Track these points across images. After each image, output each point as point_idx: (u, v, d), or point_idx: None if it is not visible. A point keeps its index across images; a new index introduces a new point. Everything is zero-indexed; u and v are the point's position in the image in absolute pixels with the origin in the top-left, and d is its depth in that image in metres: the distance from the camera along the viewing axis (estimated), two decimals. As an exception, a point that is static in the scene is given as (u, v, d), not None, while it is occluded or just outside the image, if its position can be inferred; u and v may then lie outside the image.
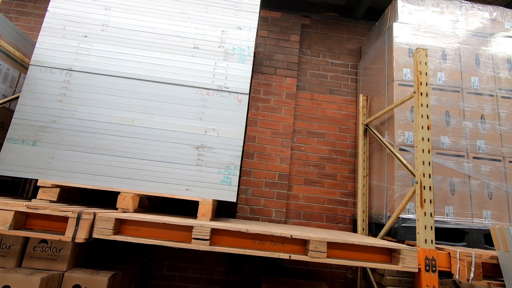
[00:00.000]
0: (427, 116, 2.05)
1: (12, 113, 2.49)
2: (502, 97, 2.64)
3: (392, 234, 2.37)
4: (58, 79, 2.23)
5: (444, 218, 2.35)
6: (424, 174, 1.94)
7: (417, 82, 2.12)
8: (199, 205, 2.06)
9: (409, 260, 1.69)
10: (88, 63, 2.27)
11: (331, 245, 1.71)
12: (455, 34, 2.78)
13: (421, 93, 2.09)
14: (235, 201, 2.14)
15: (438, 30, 2.77)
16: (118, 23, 2.37)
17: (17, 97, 2.37)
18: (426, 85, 2.10)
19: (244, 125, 2.27)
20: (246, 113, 2.29)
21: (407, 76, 2.62)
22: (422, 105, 2.07)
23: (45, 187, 2.04)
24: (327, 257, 1.67)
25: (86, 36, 2.32)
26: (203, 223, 1.69)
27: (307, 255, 1.66)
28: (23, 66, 2.61)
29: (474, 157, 2.49)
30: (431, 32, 2.76)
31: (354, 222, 3.16)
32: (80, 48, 2.30)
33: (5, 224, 1.55)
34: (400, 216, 2.30)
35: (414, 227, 2.26)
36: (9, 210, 1.56)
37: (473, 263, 1.68)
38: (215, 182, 2.15)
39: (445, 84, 2.64)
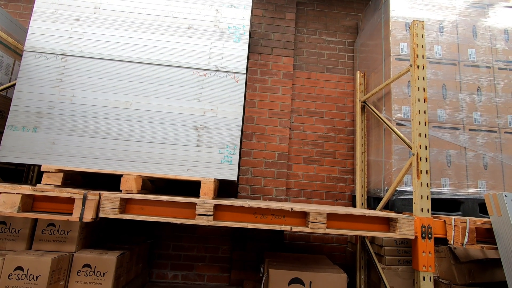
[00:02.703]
0: (424, 89, 2.07)
1: (10, 101, 2.49)
2: (499, 68, 2.64)
3: (390, 206, 2.44)
4: (54, 64, 2.22)
5: (441, 189, 2.41)
6: (420, 146, 1.98)
7: (414, 55, 2.12)
8: (201, 184, 2.10)
9: (406, 228, 1.76)
10: (82, 47, 2.25)
11: (331, 217, 1.77)
12: (453, 5, 2.74)
13: (418, 66, 2.09)
14: (236, 179, 2.18)
15: (435, 2, 2.73)
16: (110, 4, 2.33)
17: (14, 85, 2.36)
18: (423, 57, 2.10)
19: (242, 105, 2.29)
20: (243, 93, 2.30)
21: (403, 50, 2.61)
22: (418, 78, 2.08)
23: (49, 172, 2.07)
24: (327, 227, 1.73)
25: (78, 20, 2.29)
26: (206, 200, 1.74)
27: (307, 227, 1.72)
28: (17, 53, 2.58)
29: (470, 129, 2.52)
30: (428, 4, 2.72)
31: (353, 198, 3.23)
32: (73, 32, 2.27)
33: (13, 207, 1.60)
34: (397, 188, 2.35)
35: (411, 199, 2.33)
36: (17, 193, 1.60)
37: (467, 228, 1.75)
38: (216, 162, 2.19)
39: (442, 57, 2.63)
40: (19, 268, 1.86)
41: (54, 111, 2.16)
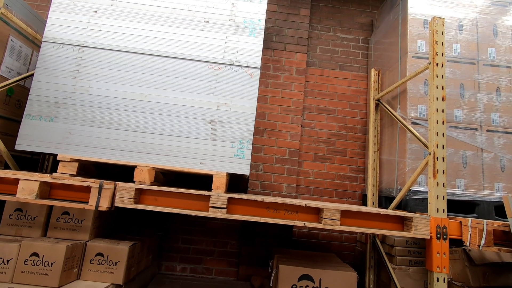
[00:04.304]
0: (442, 87, 2.03)
1: (27, 91, 2.53)
2: (520, 68, 2.57)
3: (403, 206, 2.41)
4: (71, 55, 2.24)
5: (455, 190, 2.37)
6: (437, 145, 1.94)
7: (433, 52, 2.07)
8: (214, 178, 2.11)
9: (421, 227, 1.73)
10: (99, 38, 2.27)
11: (344, 214, 1.76)
12: (473, 3, 2.67)
13: (437, 64, 2.05)
14: (248, 174, 2.18)
15: None
16: (127, -3, 2.34)
17: (32, 75, 2.39)
18: (442, 55, 2.06)
19: (256, 100, 2.28)
20: (257, 88, 2.29)
21: (421, 48, 2.56)
22: (437, 76, 2.04)
23: (65, 161, 2.10)
24: (341, 224, 1.72)
25: (96, 11, 2.31)
26: (220, 193, 1.75)
27: (320, 223, 1.70)
28: (35, 44, 2.62)
29: (488, 130, 2.47)
30: (448, 1, 2.66)
31: (363, 197, 3.20)
32: (91, 23, 2.29)
33: (31, 194, 1.63)
34: (411, 188, 2.32)
35: (425, 199, 2.29)
36: (35, 180, 1.63)
37: (484, 230, 1.71)
38: (228, 156, 2.19)
39: (461, 55, 2.57)
40: (35, 254, 1.90)
41: (71, 101, 2.18)
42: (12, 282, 1.86)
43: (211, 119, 2.23)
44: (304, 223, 1.70)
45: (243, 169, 2.18)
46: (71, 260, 1.97)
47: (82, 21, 2.29)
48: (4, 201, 2.19)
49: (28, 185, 1.62)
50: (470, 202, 2.36)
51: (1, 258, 1.88)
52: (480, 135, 2.46)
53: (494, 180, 2.40)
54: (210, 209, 1.68)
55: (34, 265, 1.88)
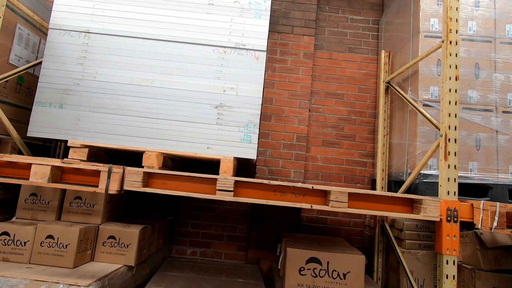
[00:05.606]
0: (456, 66, 1.95)
1: (37, 79, 2.56)
2: (540, 46, 2.44)
3: (412, 190, 2.37)
4: (77, 42, 2.25)
5: (468, 173, 2.31)
6: (449, 127, 1.89)
7: (446, 29, 1.98)
8: (221, 163, 2.11)
9: (431, 209, 1.71)
10: (104, 24, 2.26)
11: (352, 196, 1.74)
12: (491, -23, 2.53)
13: (450, 42, 1.97)
14: (255, 158, 2.18)
15: (472, -26, 2.53)
16: (131, -19, 2.30)
17: (40, 62, 2.42)
18: (456, 32, 1.97)
19: (263, 83, 2.25)
20: (264, 71, 2.25)
21: (434, 26, 2.46)
22: (450, 55, 1.96)
23: (75, 147, 2.14)
24: (348, 207, 1.71)
25: (100, -4, 2.29)
26: (226, 176, 1.75)
27: (328, 205, 1.70)
28: (42, 32, 2.63)
29: (503, 111, 2.38)
30: (464, -24, 2.53)
31: (372, 182, 3.17)
32: (95, 9, 2.28)
33: (44, 178, 1.67)
34: (421, 172, 2.28)
35: (436, 183, 2.25)
36: (47, 164, 1.67)
37: (497, 212, 1.67)
38: (235, 140, 2.18)
39: (476, 33, 2.46)
40: (50, 236, 1.97)
41: (79, 88, 2.20)
42: (30, 263, 1.94)
43: (217, 104, 2.22)
44: (311, 206, 1.70)
45: (250, 153, 2.18)
46: (84, 242, 2.04)
47: (87, 6, 2.28)
48: (19, 187, 2.26)
49: (40, 169, 1.67)
50: (483, 186, 2.30)
51: (19, 240, 1.95)
52: (495, 117, 2.37)
53: (509, 163, 2.32)
54: (217, 192, 1.70)
55: (50, 246, 1.95)
